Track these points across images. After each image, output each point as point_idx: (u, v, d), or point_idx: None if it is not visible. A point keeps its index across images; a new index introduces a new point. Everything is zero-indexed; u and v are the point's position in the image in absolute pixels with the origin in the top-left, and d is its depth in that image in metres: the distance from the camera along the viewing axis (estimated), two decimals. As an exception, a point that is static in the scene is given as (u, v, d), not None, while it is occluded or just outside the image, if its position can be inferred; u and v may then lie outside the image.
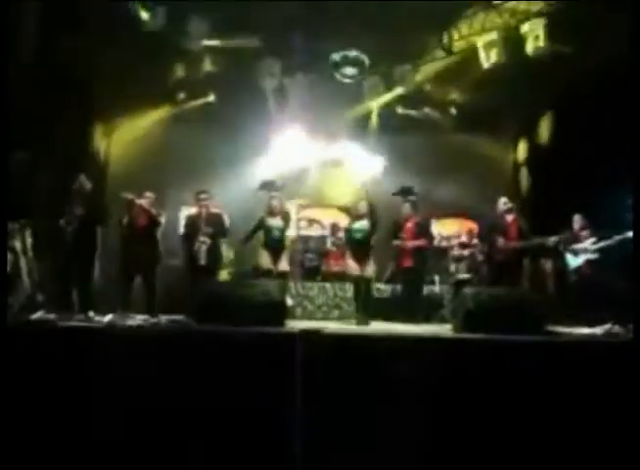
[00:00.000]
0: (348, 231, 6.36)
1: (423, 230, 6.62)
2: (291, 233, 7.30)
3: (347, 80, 8.21)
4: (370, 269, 6.12)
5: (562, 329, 4.87)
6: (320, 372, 3.22)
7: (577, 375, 3.30)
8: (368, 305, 6.11)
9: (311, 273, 8.06)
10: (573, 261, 6.36)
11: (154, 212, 5.95)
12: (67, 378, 3.31)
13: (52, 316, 4.93)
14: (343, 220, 7.86)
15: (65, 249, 5.50)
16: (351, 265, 6.15)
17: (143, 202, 5.90)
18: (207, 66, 8.20)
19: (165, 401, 3.25)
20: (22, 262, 5.21)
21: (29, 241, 5.36)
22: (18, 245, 5.20)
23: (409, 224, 6.57)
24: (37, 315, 4.83)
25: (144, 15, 6.80)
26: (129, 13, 6.70)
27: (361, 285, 6.13)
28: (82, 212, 5.59)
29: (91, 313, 5.22)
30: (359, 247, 6.13)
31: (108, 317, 5.29)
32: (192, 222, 6.19)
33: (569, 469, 3.15)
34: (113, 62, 7.19)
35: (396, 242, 6.51)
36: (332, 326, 5.66)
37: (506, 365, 3.33)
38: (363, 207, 6.19)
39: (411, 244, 6.46)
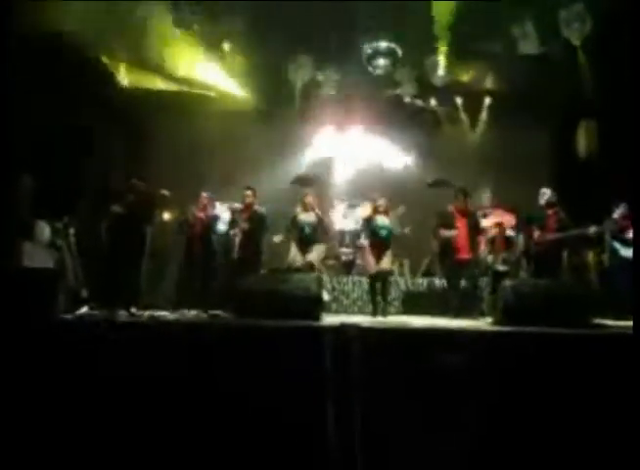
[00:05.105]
0: (371, 226, 6.22)
1: (477, 222, 6.37)
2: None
3: (379, 72, 8.17)
4: (388, 262, 6.14)
5: (608, 322, 4.73)
6: (360, 366, 3.21)
7: (623, 368, 3.19)
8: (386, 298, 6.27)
9: (347, 267, 8.04)
10: (625, 251, 6.10)
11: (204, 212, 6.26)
12: (110, 371, 3.38)
13: (96, 312, 5.09)
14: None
15: (108, 247, 5.63)
16: (369, 261, 6.13)
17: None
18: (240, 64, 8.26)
19: (204, 395, 3.29)
20: (67, 259, 5.38)
21: (73, 239, 5.52)
22: (62, 242, 5.37)
23: (462, 216, 6.24)
24: (82, 311, 5.00)
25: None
26: None
27: (380, 280, 6.15)
28: (128, 212, 5.74)
29: (133, 309, 5.36)
30: (382, 243, 6.11)
31: (147, 312, 5.43)
32: (233, 218, 6.36)
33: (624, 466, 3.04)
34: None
35: (451, 232, 6.15)
36: (369, 320, 5.65)
37: (551, 359, 3.25)
38: (384, 203, 6.20)
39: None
